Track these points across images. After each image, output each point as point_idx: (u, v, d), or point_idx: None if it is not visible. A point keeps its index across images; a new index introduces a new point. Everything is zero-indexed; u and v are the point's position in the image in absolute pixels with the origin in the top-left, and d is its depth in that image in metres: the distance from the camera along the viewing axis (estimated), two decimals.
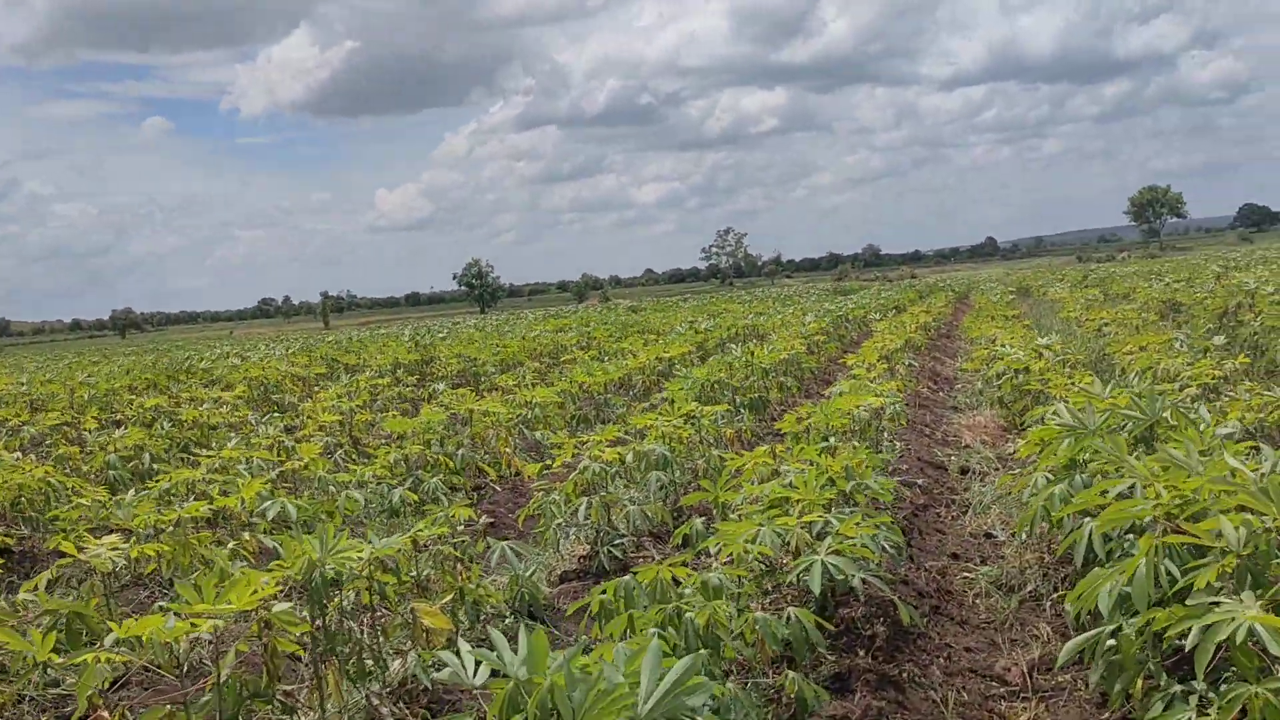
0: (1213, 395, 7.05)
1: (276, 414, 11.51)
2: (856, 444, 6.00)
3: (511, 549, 5.01)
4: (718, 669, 3.15)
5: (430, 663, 3.82)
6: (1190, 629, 2.62)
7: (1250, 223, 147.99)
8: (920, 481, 7.03)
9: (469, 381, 14.82)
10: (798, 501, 4.20)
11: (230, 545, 5.12)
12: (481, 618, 4.72)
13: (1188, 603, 2.66)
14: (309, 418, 10.03)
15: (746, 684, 3.71)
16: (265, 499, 5.59)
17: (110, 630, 3.15)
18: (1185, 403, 5.97)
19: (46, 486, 7.37)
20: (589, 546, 5.94)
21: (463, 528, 5.05)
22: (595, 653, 2.38)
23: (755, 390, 10.19)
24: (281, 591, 3.85)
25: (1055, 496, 4.27)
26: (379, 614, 4.20)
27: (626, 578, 3.45)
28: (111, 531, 5.65)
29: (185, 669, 3.73)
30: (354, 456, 8.82)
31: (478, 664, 2.30)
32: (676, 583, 3.51)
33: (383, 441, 9.02)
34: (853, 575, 3.70)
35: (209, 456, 7.31)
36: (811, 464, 4.86)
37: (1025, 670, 4.15)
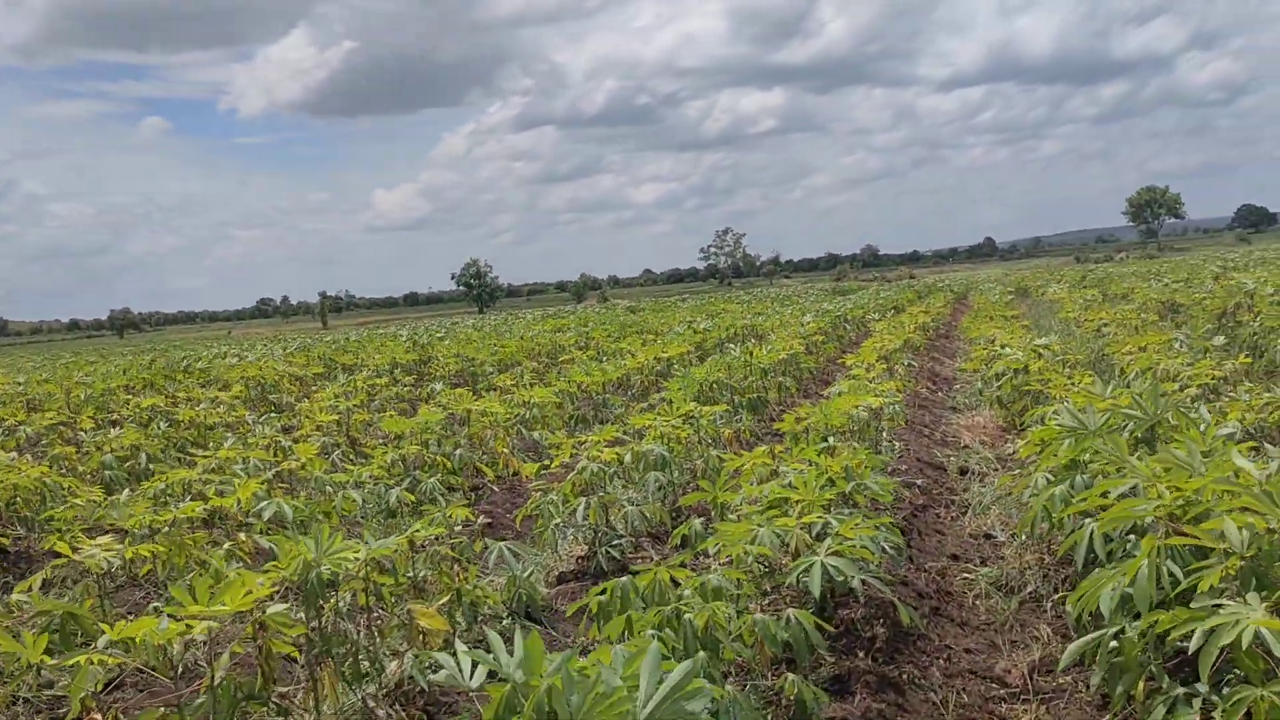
0: (1212, 396, 7.03)
1: (274, 414, 11.48)
2: (856, 444, 5.98)
3: (509, 549, 4.99)
4: (716, 671, 3.12)
5: (427, 664, 3.79)
6: (1194, 631, 2.60)
7: (1248, 223, 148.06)
8: (919, 482, 7.01)
9: (467, 381, 14.78)
10: (797, 502, 4.17)
11: (226, 546, 5.09)
12: (479, 618, 4.69)
13: (1192, 606, 2.63)
14: (306, 418, 10.00)
15: (745, 686, 3.68)
16: (261, 499, 5.56)
17: (104, 632, 3.12)
18: (1185, 403, 5.95)
19: (42, 486, 7.34)
20: (587, 547, 5.91)
21: (460, 528, 5.02)
22: (593, 655, 2.35)
23: (754, 390, 10.16)
24: (277, 592, 3.82)
25: (1056, 497, 4.24)
26: (375, 615, 4.18)
27: (624, 579, 3.43)
28: (106, 532, 5.62)
29: (180, 670, 3.70)
30: (351, 457, 8.79)
31: (474, 666, 2.27)
32: (675, 584, 3.49)
33: (380, 441, 8.99)
34: (852, 576, 3.67)
35: (205, 457, 7.28)
36: (811, 464, 4.83)
37: (1026, 672, 4.13)
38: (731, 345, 14.82)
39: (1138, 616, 3.18)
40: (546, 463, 6.91)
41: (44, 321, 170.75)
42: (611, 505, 5.91)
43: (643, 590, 3.34)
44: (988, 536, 6.06)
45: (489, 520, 6.58)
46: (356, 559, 3.68)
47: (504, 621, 4.86)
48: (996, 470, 7.65)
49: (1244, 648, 2.42)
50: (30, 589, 4.30)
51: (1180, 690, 2.90)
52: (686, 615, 3.04)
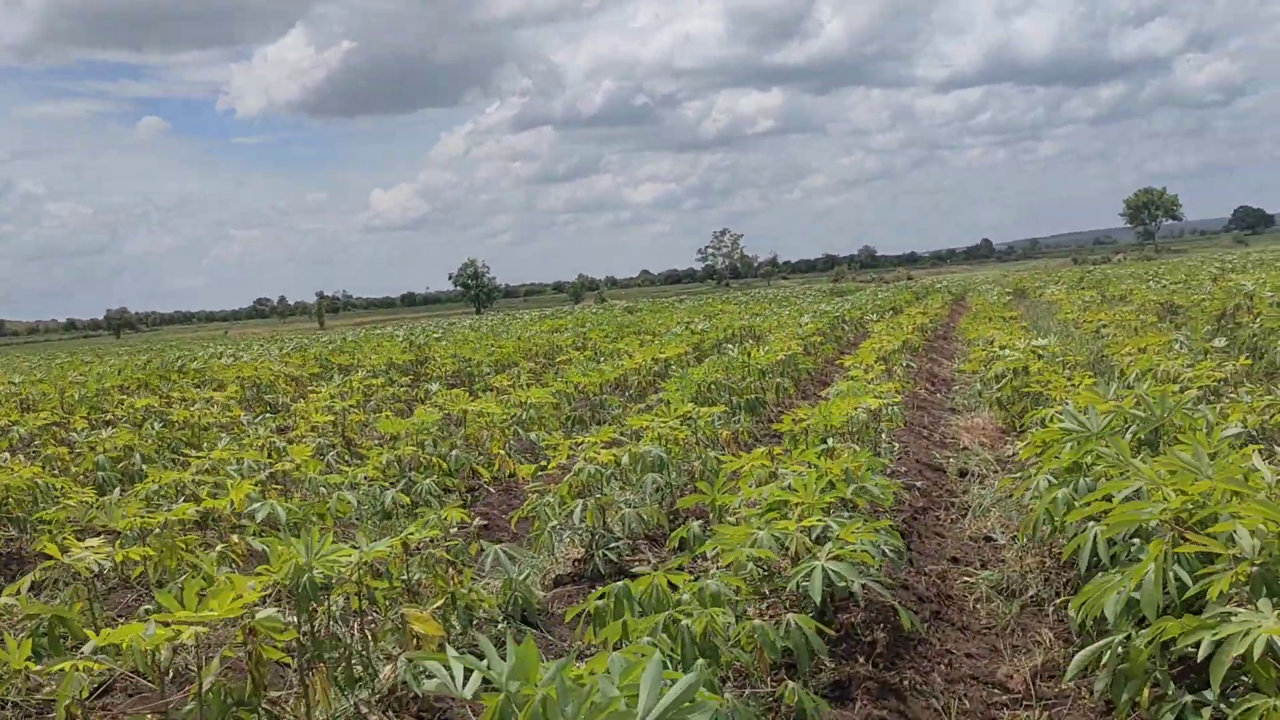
0: (1212, 398, 6.98)
1: (269, 414, 11.41)
2: (856, 446, 5.93)
3: (505, 552, 4.93)
4: (715, 677, 3.07)
5: (420, 669, 3.73)
6: (1202, 639, 2.54)
7: (1245, 225, 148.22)
8: (919, 484, 6.96)
9: (463, 382, 14.73)
10: (797, 505, 4.12)
11: (218, 548, 5.03)
12: (474, 622, 4.63)
13: (1203, 615, 2.58)
14: (301, 418, 9.94)
15: (744, 692, 3.63)
16: (255, 501, 5.50)
17: (94, 635, 3.06)
18: (1188, 405, 5.89)
19: (34, 487, 7.27)
20: (584, 550, 5.85)
21: (455, 530, 4.97)
22: (589, 663, 2.29)
23: (752, 391, 10.11)
24: (270, 595, 3.76)
25: (1059, 500, 4.18)
26: (369, 619, 4.12)
27: (621, 584, 3.37)
28: (98, 534, 5.56)
29: (171, 675, 3.64)
30: (347, 458, 8.73)
31: (467, 673, 2.21)
32: (674, 588, 3.43)
33: (376, 442, 8.93)
34: (853, 581, 3.62)
35: (199, 457, 7.22)
36: (810, 467, 4.78)
37: (1028, 677, 4.07)
38: (729, 346, 14.77)
39: (1142, 620, 3.13)
40: (543, 464, 6.86)
41: (41, 321, 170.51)
42: (609, 507, 5.85)
43: (640, 595, 3.28)
44: (988, 539, 6.01)
45: (485, 522, 6.52)
46: (349, 562, 3.62)
47: (500, 625, 4.80)
48: (996, 472, 7.60)
49: (1255, 657, 2.37)
50: (19, 592, 4.24)
51: (1188, 698, 2.84)
52: (684, 621, 2.98)
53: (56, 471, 8.27)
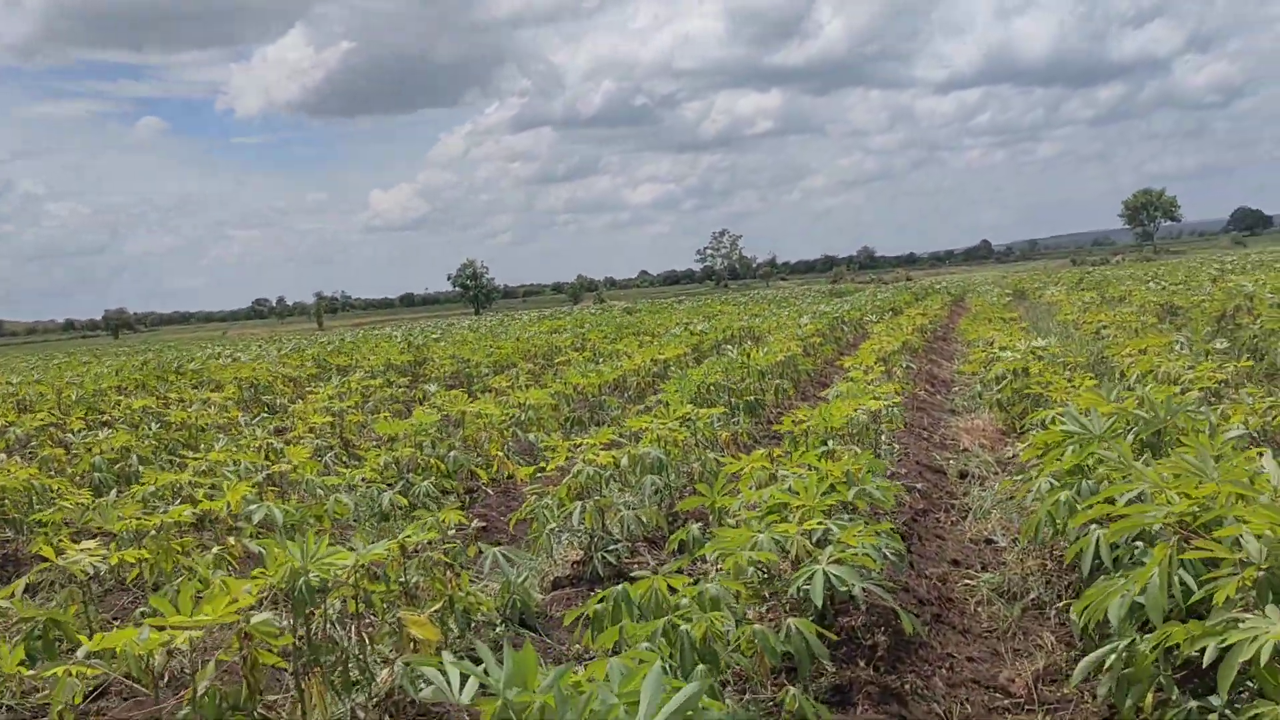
0: (1213, 399, 6.96)
1: (267, 415, 11.37)
2: (856, 448, 5.89)
3: (503, 555, 4.89)
4: (715, 682, 3.04)
5: (418, 674, 3.70)
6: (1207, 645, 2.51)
7: (1243, 226, 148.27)
8: (919, 486, 6.93)
9: (462, 383, 14.69)
10: (798, 507, 4.09)
11: (214, 550, 5.00)
12: (472, 625, 4.60)
13: (1209, 621, 2.55)
14: (299, 419, 9.90)
15: (744, 696, 3.60)
16: (251, 503, 5.47)
17: (89, 638, 3.03)
18: (1190, 407, 5.87)
19: (30, 489, 7.24)
20: (583, 552, 5.82)
21: (453, 532, 4.93)
22: (588, 669, 2.26)
23: (751, 392, 10.08)
24: (266, 597, 3.73)
25: (1062, 503, 4.15)
26: (366, 622, 4.08)
27: (620, 588, 3.33)
28: (93, 536, 5.53)
29: (166, 678, 3.61)
30: (345, 459, 8.69)
31: (464, 679, 2.18)
32: (673, 591, 3.40)
33: (374, 443, 8.89)
34: (855, 585, 3.59)
35: (196, 459, 7.19)
36: (811, 469, 4.75)
37: (1030, 681, 4.04)
38: (728, 347, 14.73)
39: (1145, 624, 3.10)
40: (542, 465, 6.82)
41: (39, 322, 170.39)
42: (608, 509, 5.81)
43: (639, 599, 3.25)
44: (988, 541, 5.98)
45: (483, 524, 6.49)
46: (346, 565, 3.59)
47: (498, 629, 4.77)
48: (997, 474, 7.57)
49: (1263, 663, 2.34)
50: (13, 595, 4.20)
51: (1193, 704, 2.82)
52: (684, 627, 2.95)
53: (53, 473, 8.23)
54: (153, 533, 5.05)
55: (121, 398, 13.77)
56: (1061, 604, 4.68)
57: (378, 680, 3.87)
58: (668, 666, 2.86)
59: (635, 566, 5.47)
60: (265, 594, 3.51)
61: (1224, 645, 2.43)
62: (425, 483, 6.94)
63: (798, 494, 4.19)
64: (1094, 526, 3.68)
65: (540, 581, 5.60)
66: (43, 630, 3.82)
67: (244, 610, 3.00)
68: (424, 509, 6.19)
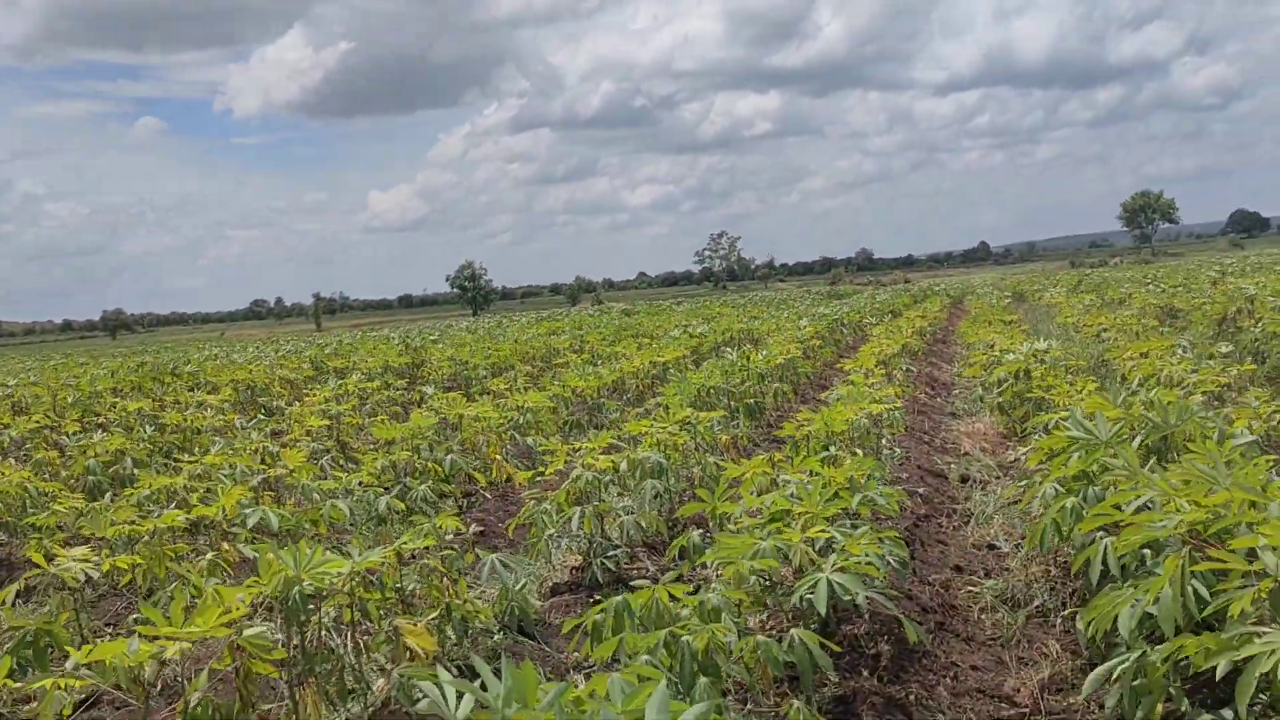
0: (1216, 403, 6.90)
1: (263, 418, 11.31)
2: (859, 453, 5.83)
3: (501, 561, 4.84)
4: (717, 693, 2.98)
5: (413, 685, 3.64)
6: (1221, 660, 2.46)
7: (1241, 229, 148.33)
8: (921, 490, 6.88)
9: (460, 385, 14.62)
10: (800, 514, 4.02)
11: (209, 556, 4.93)
12: (469, 633, 4.54)
13: (1224, 633, 2.49)
14: (296, 422, 9.83)
15: (746, 707, 3.54)
16: (246, 507, 5.40)
17: (80, 646, 2.97)
18: (1196, 412, 5.81)
19: (24, 492, 7.18)
20: (581, 558, 5.76)
21: (451, 538, 4.87)
22: (590, 684, 2.20)
23: (751, 395, 10.02)
24: (260, 605, 3.66)
25: (1068, 509, 4.09)
26: (362, 629, 4.02)
27: (620, 598, 3.27)
28: (86, 541, 5.45)
29: (159, 688, 3.55)
30: (342, 462, 8.63)
31: (460, 695, 2.12)
32: (674, 599, 3.34)
33: (371, 447, 8.83)
34: (858, 593, 3.53)
35: (191, 462, 7.12)
36: (814, 474, 4.69)
37: (1035, 691, 3.98)
38: (728, 349, 14.67)
39: (1153, 634, 3.04)
40: (540, 469, 6.76)
41: (37, 322, 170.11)
42: (607, 514, 5.75)
43: (640, 610, 3.19)
44: (991, 547, 5.92)
45: (481, 529, 6.42)
46: (341, 573, 3.53)
47: (495, 636, 4.71)
48: (998, 478, 7.52)
49: (1279, 677, 2.28)
50: (3, 603, 4.14)
51: (1206, 716, 2.76)
52: (685, 638, 2.88)
53: (47, 476, 8.17)
54: (145, 538, 4.99)
55: (117, 400, 13.70)
56: (1067, 611, 4.62)
57: (373, 690, 3.81)
58: (669, 680, 2.80)
59: (635, 572, 5.41)
60: (259, 602, 3.45)
61: (1239, 659, 2.37)
62: (423, 487, 6.87)
63: (800, 500, 4.13)
64: (1101, 534, 3.62)
65: (539, 588, 5.54)
66: (33, 638, 3.76)
67: (236, 622, 2.94)
68: (421, 514, 6.13)
